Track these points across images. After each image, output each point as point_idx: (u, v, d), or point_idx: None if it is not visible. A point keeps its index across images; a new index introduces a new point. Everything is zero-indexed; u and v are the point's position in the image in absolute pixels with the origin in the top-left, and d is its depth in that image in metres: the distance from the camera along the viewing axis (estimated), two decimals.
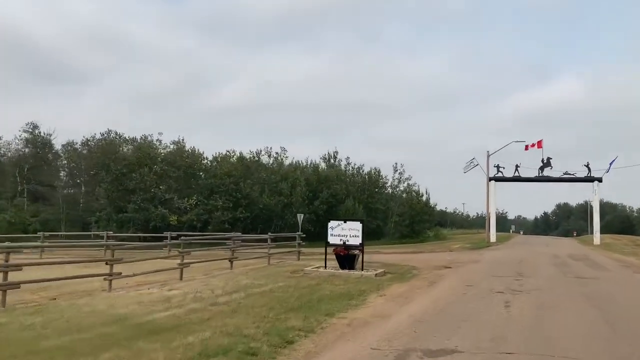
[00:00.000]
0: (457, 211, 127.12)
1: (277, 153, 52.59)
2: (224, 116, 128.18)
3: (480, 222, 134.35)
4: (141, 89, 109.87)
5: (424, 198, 56.75)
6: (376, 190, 55.65)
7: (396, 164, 56.98)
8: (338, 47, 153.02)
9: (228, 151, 49.75)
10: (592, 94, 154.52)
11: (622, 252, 31.07)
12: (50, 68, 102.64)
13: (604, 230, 53.42)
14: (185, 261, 15.02)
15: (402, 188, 58.12)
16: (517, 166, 45.60)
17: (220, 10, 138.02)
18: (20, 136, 52.93)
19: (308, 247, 25.94)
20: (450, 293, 12.23)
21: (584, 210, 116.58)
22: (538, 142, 45.58)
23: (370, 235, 54.19)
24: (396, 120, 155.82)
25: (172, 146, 49.48)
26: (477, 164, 46.36)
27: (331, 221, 16.27)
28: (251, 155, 50.19)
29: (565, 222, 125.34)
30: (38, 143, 53.57)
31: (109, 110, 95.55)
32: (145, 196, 41.71)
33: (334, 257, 16.26)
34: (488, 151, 45.43)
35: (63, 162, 56.07)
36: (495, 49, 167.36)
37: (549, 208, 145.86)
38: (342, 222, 16.14)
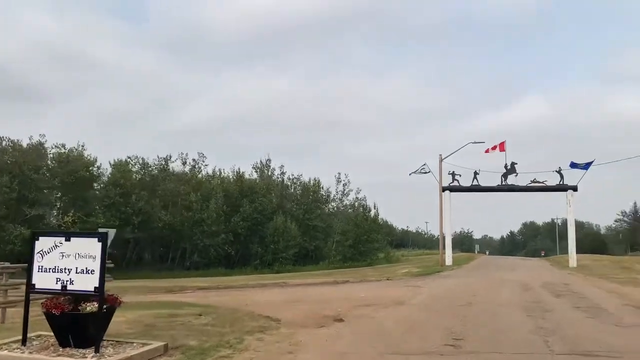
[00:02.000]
0: (420, 230, 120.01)
1: (194, 160, 43.66)
2: (190, 136, 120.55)
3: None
4: (101, 108, 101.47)
5: (372, 214, 48.46)
6: (316, 204, 47.13)
7: (339, 174, 48.73)
8: (305, 67, 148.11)
9: (129, 157, 40.56)
10: (558, 113, 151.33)
11: (612, 279, 23.13)
12: (5, 86, 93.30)
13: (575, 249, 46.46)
14: None
15: (347, 202, 49.79)
16: (475, 173, 37.79)
17: (184, 31, 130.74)
18: None
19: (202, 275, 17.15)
20: None
21: (551, 229, 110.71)
22: (500, 144, 37.99)
23: (306, 259, 45.55)
24: (364, 140, 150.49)
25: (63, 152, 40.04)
26: (429, 171, 38.45)
27: (40, 238, 7.28)
28: (159, 163, 41.14)
29: (533, 241, 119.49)
30: None
31: (70, 129, 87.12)
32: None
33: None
34: (441, 155, 37.61)
35: None
36: (461, 69, 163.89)
37: (516, 227, 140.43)
38: (63, 238, 7.23)
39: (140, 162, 40.57)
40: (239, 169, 43.50)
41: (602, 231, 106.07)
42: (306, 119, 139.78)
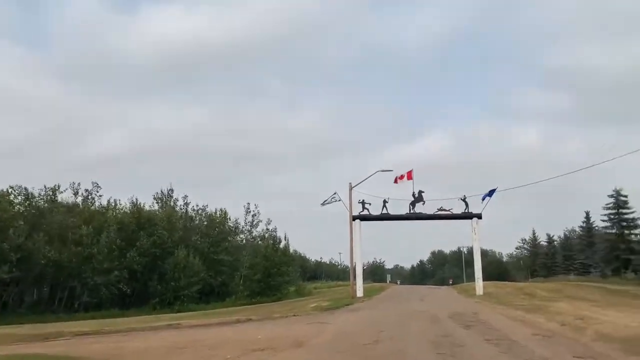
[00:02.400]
0: (333, 261, 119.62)
1: (86, 191, 39.84)
2: (97, 168, 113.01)
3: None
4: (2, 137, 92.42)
5: (282, 245, 46.76)
6: (222, 236, 44.71)
7: (248, 203, 46.72)
8: (218, 98, 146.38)
9: (12, 187, 36.16)
10: (460, 149, 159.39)
11: (517, 306, 23.00)
12: None
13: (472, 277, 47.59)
14: None
15: (256, 234, 47.78)
16: (385, 202, 37.44)
17: (94, 58, 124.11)
18: None
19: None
20: None
21: (458, 257, 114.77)
22: (408, 172, 37.98)
23: (212, 296, 42.75)
24: (278, 171, 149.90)
25: None
26: (339, 200, 37.59)
27: None
28: (45, 194, 37.01)
29: (441, 269, 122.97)
30: None
31: None
32: None
33: None
34: (350, 183, 36.95)
35: None
36: (370, 104, 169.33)
37: (425, 256, 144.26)
38: None
39: (24, 192, 36.33)
40: (136, 199, 40.19)
41: (504, 259, 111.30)
42: (219, 150, 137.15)
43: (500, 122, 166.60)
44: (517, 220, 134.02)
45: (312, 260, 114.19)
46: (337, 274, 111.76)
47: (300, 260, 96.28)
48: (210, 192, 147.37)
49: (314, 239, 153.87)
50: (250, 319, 22.03)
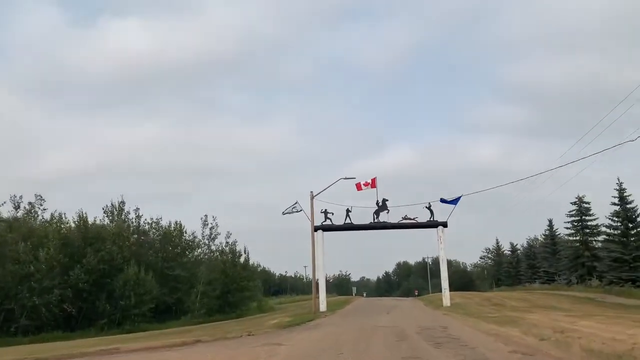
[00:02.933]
0: (298, 275, 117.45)
1: (29, 204, 36.77)
2: (53, 183, 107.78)
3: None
4: None
5: (242, 259, 44.59)
6: (177, 251, 42.21)
7: (206, 216, 44.33)
8: (176, 113, 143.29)
9: None
10: (423, 161, 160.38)
11: (488, 318, 21.61)
12: None
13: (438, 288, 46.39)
14: None
15: (214, 248, 45.44)
16: (348, 211, 36.00)
17: (44, 73, 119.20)
18: None
19: None
20: None
21: (423, 267, 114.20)
22: (372, 179, 36.63)
23: (167, 314, 40.13)
24: (239, 186, 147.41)
25: None
26: (301, 210, 35.78)
27: None
28: None
29: (406, 281, 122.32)
30: None
31: None
32: None
33: None
34: (312, 192, 35.24)
35: None
36: (334, 117, 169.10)
37: (390, 267, 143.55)
38: None
39: None
40: (84, 212, 37.36)
41: (468, 268, 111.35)
42: (179, 166, 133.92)
43: (462, 135, 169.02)
44: (480, 230, 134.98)
45: (277, 274, 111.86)
46: (303, 287, 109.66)
47: (263, 275, 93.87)
48: (169, 208, 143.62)
49: (278, 253, 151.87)
50: (200, 340, 19.89)
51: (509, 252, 78.21)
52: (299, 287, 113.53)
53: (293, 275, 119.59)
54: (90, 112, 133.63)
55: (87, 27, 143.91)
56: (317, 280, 35.96)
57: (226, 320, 38.29)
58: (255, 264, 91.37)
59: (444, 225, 35.35)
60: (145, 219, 42.04)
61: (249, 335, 21.28)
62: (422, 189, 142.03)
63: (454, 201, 35.19)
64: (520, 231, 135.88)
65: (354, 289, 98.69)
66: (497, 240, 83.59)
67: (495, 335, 15.48)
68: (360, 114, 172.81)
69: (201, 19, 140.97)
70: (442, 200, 35.21)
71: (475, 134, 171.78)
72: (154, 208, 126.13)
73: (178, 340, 19.74)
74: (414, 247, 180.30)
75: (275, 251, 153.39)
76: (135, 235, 40.55)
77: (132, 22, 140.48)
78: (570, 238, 54.66)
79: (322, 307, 34.53)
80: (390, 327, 19.57)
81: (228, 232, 45.20)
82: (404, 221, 35.84)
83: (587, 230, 52.18)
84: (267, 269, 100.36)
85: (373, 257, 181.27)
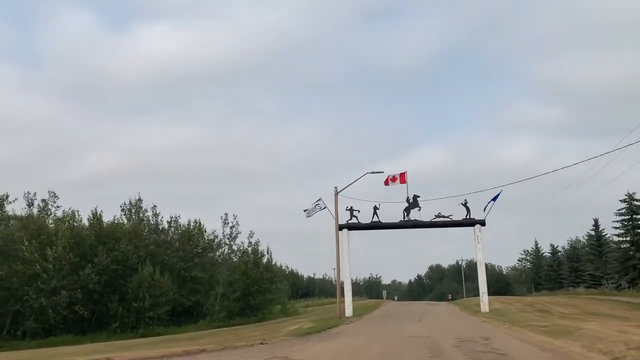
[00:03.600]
0: (327, 277, 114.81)
1: (43, 201, 35.33)
2: (90, 187, 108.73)
3: (353, 289, 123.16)
4: None
5: (265, 260, 42.33)
6: (196, 251, 40.18)
7: (226, 214, 42.13)
8: (209, 116, 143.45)
9: None
10: (455, 163, 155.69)
11: (536, 328, 18.60)
12: None
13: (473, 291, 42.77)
14: None
15: (235, 248, 43.28)
16: (375, 208, 33.21)
17: (82, 78, 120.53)
18: None
19: None
20: None
21: (457, 271, 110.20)
22: (401, 174, 33.81)
23: (184, 317, 38.17)
24: (269, 189, 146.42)
25: None
26: (324, 207, 33.29)
27: None
28: None
29: (439, 284, 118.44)
30: None
31: None
32: None
33: None
34: (336, 187, 32.63)
35: None
36: (362, 121, 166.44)
37: (423, 271, 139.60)
38: None
39: None
40: (99, 210, 35.67)
41: (504, 272, 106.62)
42: (210, 169, 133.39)
43: (495, 135, 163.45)
44: (516, 232, 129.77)
45: (305, 276, 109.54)
46: (331, 290, 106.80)
47: (291, 277, 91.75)
48: (200, 211, 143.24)
49: (307, 254, 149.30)
50: (205, 350, 17.55)
51: (549, 254, 73.76)
52: (327, 289, 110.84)
53: (322, 277, 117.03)
54: (125, 116, 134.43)
55: (121, 32, 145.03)
56: (343, 282, 33.39)
57: (246, 324, 36.03)
58: (284, 267, 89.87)
59: (482, 223, 32.23)
60: (163, 217, 40.24)
61: (261, 343, 18.87)
62: (453, 190, 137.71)
63: (494, 198, 32.09)
64: (560, 232, 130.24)
65: (384, 292, 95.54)
66: (535, 242, 79.25)
67: (551, 350, 12.58)
68: (389, 115, 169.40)
69: (233, 21, 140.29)
70: (488, 204, 32.05)
71: (508, 134, 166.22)
72: (183, 210, 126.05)
73: (179, 349, 17.41)
74: (447, 250, 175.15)
75: (305, 253, 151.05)
76: (154, 235, 38.72)
77: (166, 24, 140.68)
78: (619, 239, 50.48)
79: (348, 311, 31.90)
80: (423, 337, 16.82)
81: (251, 231, 42.98)
82: (438, 219, 32.88)
83: (639, 230, 47.94)
84: (295, 271, 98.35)
85: (405, 259, 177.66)
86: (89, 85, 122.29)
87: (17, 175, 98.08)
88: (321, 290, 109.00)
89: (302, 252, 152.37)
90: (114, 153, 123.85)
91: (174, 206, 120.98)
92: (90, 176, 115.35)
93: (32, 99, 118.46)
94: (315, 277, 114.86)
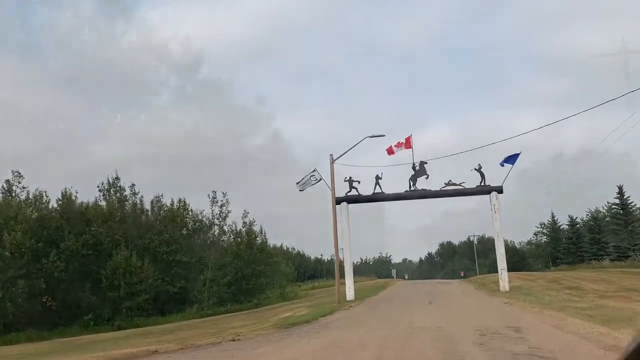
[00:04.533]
0: (334, 258, 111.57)
1: (7, 182, 31.72)
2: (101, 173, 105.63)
3: (362, 269, 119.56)
4: None
5: (259, 241, 38.65)
6: (181, 233, 36.49)
7: (214, 192, 38.22)
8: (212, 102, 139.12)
9: None
10: (463, 137, 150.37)
11: (578, 311, 14.62)
12: None
13: (494, 267, 39.11)
14: None
15: (227, 229, 39.56)
16: (377, 178, 29.26)
17: (82, 65, 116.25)
18: None
19: None
20: None
21: (469, 247, 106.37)
22: (406, 138, 29.78)
23: (171, 304, 34.71)
24: (273, 172, 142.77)
25: None
26: (320, 179, 29.35)
27: None
28: None
29: (451, 262, 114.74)
30: None
31: None
32: None
33: None
34: (332, 155, 28.57)
35: None
36: (369, 99, 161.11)
37: (433, 248, 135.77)
38: None
39: None
40: (69, 190, 31.95)
41: (518, 246, 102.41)
42: (211, 155, 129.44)
43: (503, 110, 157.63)
44: (529, 204, 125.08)
45: (312, 257, 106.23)
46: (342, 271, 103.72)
47: (298, 259, 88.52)
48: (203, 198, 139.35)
49: (316, 235, 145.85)
50: (157, 351, 13.84)
51: (568, 227, 69.36)
52: (334, 270, 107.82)
53: (330, 258, 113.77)
54: (131, 102, 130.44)
55: (126, 17, 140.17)
56: (343, 262, 29.69)
57: (239, 311, 32.54)
58: (289, 248, 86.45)
59: (499, 190, 28.19)
60: (143, 197, 36.52)
61: (233, 340, 15.12)
62: (460, 170, 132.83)
63: (512, 158, 27.96)
64: (578, 203, 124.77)
65: (394, 272, 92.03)
66: (552, 214, 74.79)
67: (619, 349, 8.59)
68: (396, 94, 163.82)
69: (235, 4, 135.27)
70: (503, 163, 27.98)
71: (517, 109, 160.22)
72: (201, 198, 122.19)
73: (119, 352, 13.67)
74: (458, 227, 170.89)
75: (313, 234, 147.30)
76: (132, 217, 35.05)
77: (166, 10, 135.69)
78: None
79: (349, 294, 28.23)
80: (434, 329, 12.91)
81: (245, 210, 39.18)
82: (448, 187, 28.88)
83: None
84: (301, 253, 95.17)
85: (415, 238, 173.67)
86: (94, 72, 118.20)
87: (25, 166, 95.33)
88: (328, 271, 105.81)
89: (309, 232, 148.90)
90: (119, 140, 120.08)
91: (191, 193, 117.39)
92: (94, 165, 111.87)
93: (40, 90, 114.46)
94: (323, 258, 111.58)
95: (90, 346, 17.93)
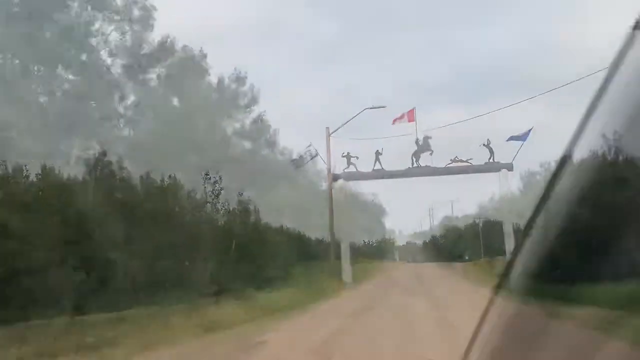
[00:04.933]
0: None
1: None
2: None
3: (365, 250, 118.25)
4: None
5: (252, 219, 36.49)
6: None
7: (207, 173, 35.96)
8: None
9: None
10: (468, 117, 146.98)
11: None
12: None
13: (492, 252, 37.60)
14: None
15: (219, 207, 37.45)
16: (377, 153, 27.11)
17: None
18: None
19: None
20: None
21: (472, 229, 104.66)
22: (408, 112, 27.56)
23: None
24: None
25: None
26: (316, 154, 27.34)
27: None
28: None
29: (455, 245, 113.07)
30: None
31: None
32: None
33: None
34: (328, 128, 26.38)
35: None
36: (366, 78, 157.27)
37: (438, 231, 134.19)
38: None
39: None
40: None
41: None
42: None
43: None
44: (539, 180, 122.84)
45: (313, 238, 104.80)
46: (337, 252, 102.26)
47: (297, 240, 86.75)
48: None
49: (319, 215, 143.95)
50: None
51: None
52: (355, 249, 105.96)
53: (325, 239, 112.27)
54: None
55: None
56: (339, 242, 27.86)
57: (226, 300, 30.76)
58: (290, 229, 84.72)
59: (509, 168, 26.07)
60: None
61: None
62: (466, 152, 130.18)
63: (523, 136, 25.79)
64: None
65: (396, 253, 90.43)
66: None
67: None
68: (396, 74, 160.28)
69: None
70: (512, 139, 25.86)
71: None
72: None
73: None
74: (464, 208, 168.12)
75: (316, 214, 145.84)
76: None
77: None
78: None
79: (347, 277, 26.53)
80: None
81: (239, 192, 36.97)
82: (454, 164, 26.75)
83: None
84: (301, 233, 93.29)
85: (420, 219, 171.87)
86: None
87: None
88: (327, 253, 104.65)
89: (312, 212, 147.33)
90: None
91: None
92: None
93: None
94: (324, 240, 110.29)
95: None
